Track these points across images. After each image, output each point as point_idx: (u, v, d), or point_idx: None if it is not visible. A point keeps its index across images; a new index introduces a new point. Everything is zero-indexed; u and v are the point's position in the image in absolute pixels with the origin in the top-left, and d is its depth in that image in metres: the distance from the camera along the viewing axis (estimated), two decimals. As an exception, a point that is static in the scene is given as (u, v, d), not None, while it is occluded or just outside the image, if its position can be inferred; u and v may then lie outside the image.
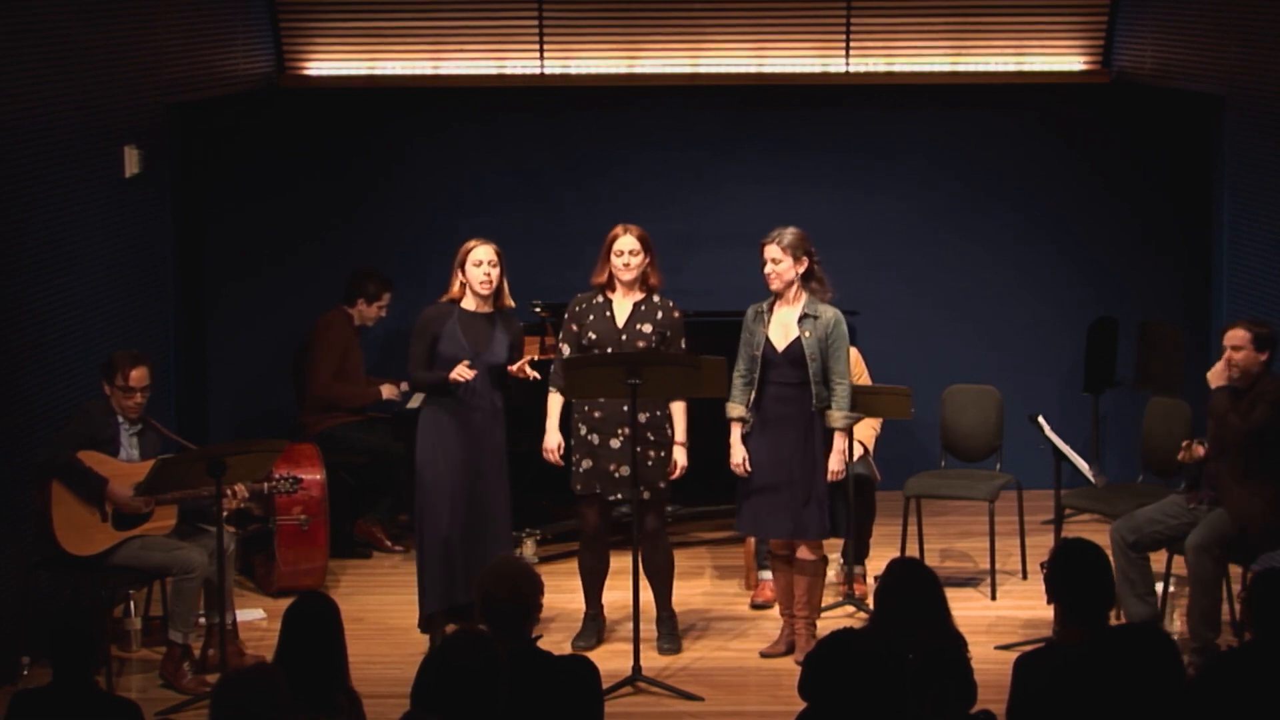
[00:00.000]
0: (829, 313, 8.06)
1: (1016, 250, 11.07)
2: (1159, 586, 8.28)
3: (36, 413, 8.26)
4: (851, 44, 10.83)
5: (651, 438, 8.21)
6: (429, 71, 10.92)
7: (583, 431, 8.30)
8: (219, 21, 10.33)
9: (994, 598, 9.09)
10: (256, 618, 8.85)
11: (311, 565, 9.17)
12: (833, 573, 8.83)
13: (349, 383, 10.00)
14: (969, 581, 9.33)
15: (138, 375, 7.98)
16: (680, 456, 8.26)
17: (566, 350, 8.29)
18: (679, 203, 10.96)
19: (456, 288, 8.20)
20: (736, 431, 8.17)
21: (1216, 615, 7.94)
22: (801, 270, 8.07)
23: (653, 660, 8.16)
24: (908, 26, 10.82)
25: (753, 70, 10.89)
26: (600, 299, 8.32)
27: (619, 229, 8.27)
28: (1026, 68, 10.91)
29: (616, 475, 8.22)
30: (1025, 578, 9.33)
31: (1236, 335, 7.94)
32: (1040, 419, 8.30)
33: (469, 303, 8.21)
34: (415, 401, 9.19)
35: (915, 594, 5.75)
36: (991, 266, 11.08)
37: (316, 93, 10.97)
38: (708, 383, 8.17)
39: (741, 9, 10.82)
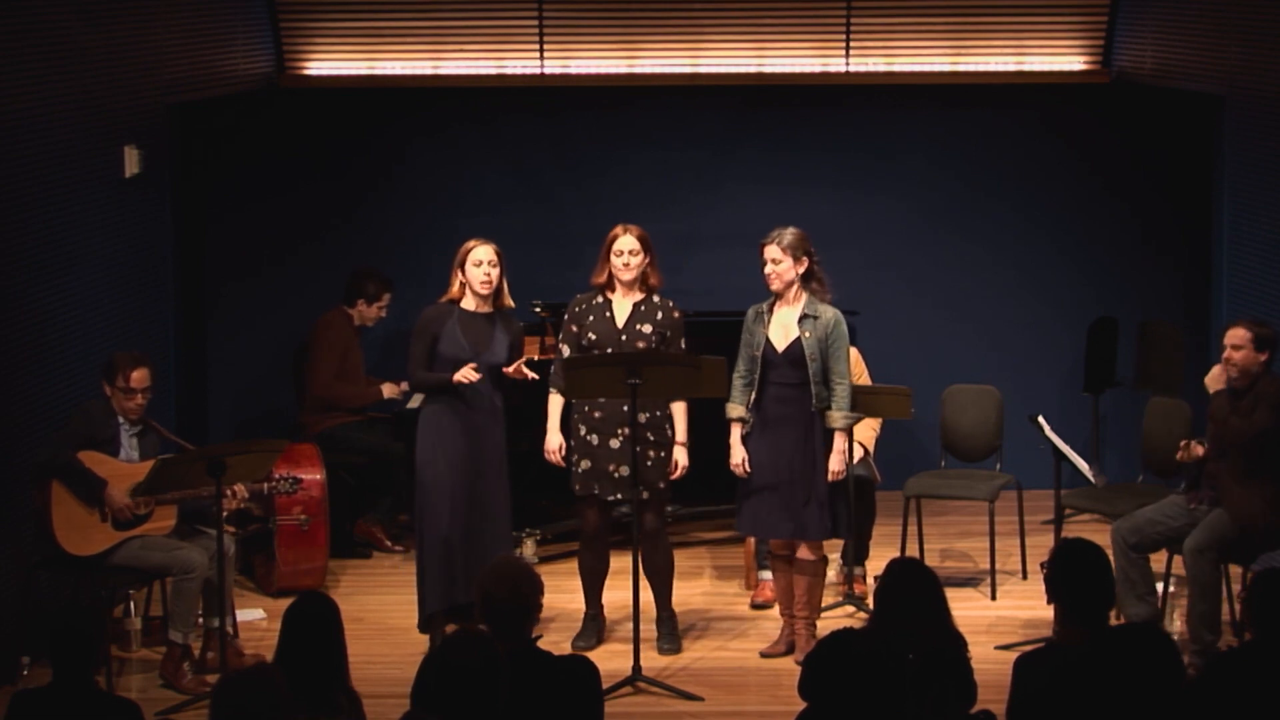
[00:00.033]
0: (829, 313, 8.06)
1: (1016, 250, 11.07)
2: (1159, 587, 8.28)
3: (36, 413, 8.26)
4: (851, 44, 10.82)
5: (651, 438, 8.20)
6: (429, 71, 10.91)
7: (582, 432, 8.29)
8: (219, 21, 10.32)
9: (994, 598, 9.09)
10: (256, 618, 8.85)
11: (311, 565, 9.17)
12: (833, 573, 8.83)
13: (349, 383, 9.99)
14: (969, 581, 9.33)
15: (139, 376, 7.98)
16: (681, 456, 8.25)
17: (566, 350, 8.28)
18: (679, 203, 10.95)
19: (456, 288, 8.20)
20: (736, 432, 8.16)
21: (1216, 618, 7.93)
22: (801, 270, 8.07)
23: (653, 660, 8.15)
24: (907, 26, 10.82)
25: (753, 70, 10.88)
26: (600, 299, 8.31)
27: (619, 229, 8.26)
28: (1026, 68, 10.90)
29: (616, 475, 8.22)
30: (1025, 578, 9.32)
31: (1237, 335, 7.94)
32: (1040, 419, 8.30)
33: (469, 303, 8.21)
34: (415, 401, 9.18)
35: (915, 594, 5.75)
36: (991, 266, 11.08)
37: (316, 93, 10.96)
38: (708, 383, 8.16)
39: (741, 9, 10.81)
